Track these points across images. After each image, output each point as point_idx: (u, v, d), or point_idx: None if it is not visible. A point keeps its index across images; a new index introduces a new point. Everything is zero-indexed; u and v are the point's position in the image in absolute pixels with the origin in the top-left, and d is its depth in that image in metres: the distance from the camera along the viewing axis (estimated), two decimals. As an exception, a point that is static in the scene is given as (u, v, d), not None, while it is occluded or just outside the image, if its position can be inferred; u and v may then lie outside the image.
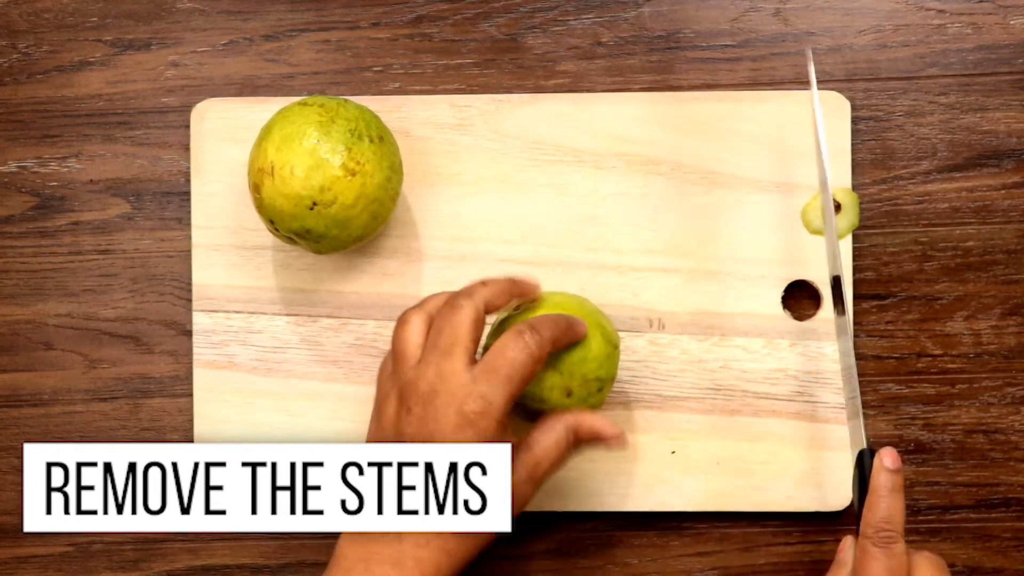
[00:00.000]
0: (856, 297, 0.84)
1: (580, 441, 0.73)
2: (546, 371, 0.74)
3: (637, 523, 0.85)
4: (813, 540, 0.85)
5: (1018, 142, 0.85)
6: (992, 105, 0.85)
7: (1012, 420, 0.85)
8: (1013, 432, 0.85)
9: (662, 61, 0.86)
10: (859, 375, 0.84)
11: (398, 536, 0.70)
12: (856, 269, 0.84)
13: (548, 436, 0.72)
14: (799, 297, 0.85)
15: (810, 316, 0.84)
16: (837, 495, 0.83)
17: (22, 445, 0.87)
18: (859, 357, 0.84)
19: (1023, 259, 0.85)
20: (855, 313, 0.84)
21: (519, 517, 0.72)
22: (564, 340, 0.73)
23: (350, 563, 0.71)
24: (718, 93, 0.84)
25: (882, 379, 0.85)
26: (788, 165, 0.84)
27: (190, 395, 0.86)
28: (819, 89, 0.84)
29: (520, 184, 0.84)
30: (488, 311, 0.73)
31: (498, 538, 0.73)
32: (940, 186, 0.85)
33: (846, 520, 0.85)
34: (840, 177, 0.83)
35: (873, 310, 0.85)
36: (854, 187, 0.84)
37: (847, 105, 0.83)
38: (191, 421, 0.86)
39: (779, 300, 0.84)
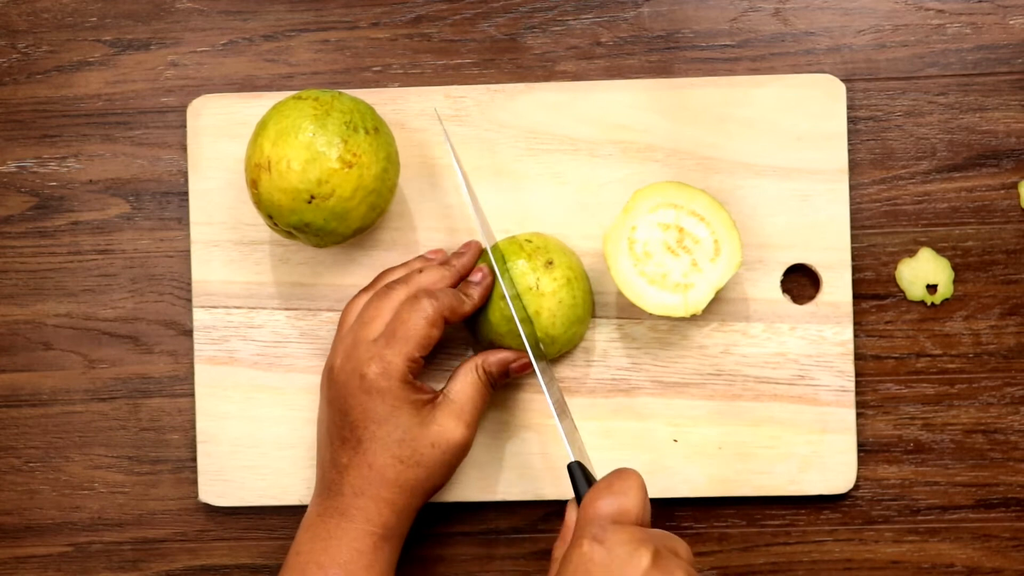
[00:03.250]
0: (856, 297, 0.84)
1: (493, 376, 0.79)
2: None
3: (636, 523, 0.85)
4: (812, 540, 0.85)
5: (1017, 142, 0.85)
6: (991, 105, 0.85)
7: (1011, 420, 0.85)
8: (1012, 432, 0.85)
9: (661, 61, 0.86)
10: (859, 375, 0.84)
11: (340, 489, 0.76)
12: (856, 269, 0.84)
13: (463, 381, 0.79)
14: (798, 281, 0.85)
15: (809, 299, 0.84)
16: (840, 477, 0.83)
17: (21, 445, 0.87)
18: (859, 357, 0.84)
19: (1022, 259, 0.85)
20: (855, 313, 0.84)
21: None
22: (460, 310, 0.78)
23: (309, 520, 0.78)
24: (713, 79, 0.84)
25: (881, 379, 0.85)
26: (785, 149, 0.84)
27: (189, 395, 0.86)
28: (815, 74, 0.85)
29: (516, 174, 0.84)
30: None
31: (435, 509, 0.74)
32: (939, 186, 0.85)
33: (848, 508, 0.85)
34: (836, 161, 0.83)
35: (872, 310, 0.85)
36: (853, 187, 0.84)
37: (842, 88, 0.83)
38: (190, 421, 0.86)
39: (778, 284, 0.84)
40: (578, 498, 0.74)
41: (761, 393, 0.83)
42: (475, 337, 0.83)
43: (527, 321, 0.79)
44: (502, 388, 0.83)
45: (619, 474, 0.72)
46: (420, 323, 0.76)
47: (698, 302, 0.79)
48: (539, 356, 0.79)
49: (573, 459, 0.75)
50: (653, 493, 0.83)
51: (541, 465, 0.84)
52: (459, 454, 0.78)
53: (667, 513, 0.85)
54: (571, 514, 0.74)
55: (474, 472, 0.84)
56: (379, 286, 0.80)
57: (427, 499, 0.78)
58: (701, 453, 0.83)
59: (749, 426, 0.83)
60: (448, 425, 0.77)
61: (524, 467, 0.84)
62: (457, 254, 0.81)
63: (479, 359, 0.79)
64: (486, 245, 0.80)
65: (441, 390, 0.79)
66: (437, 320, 0.76)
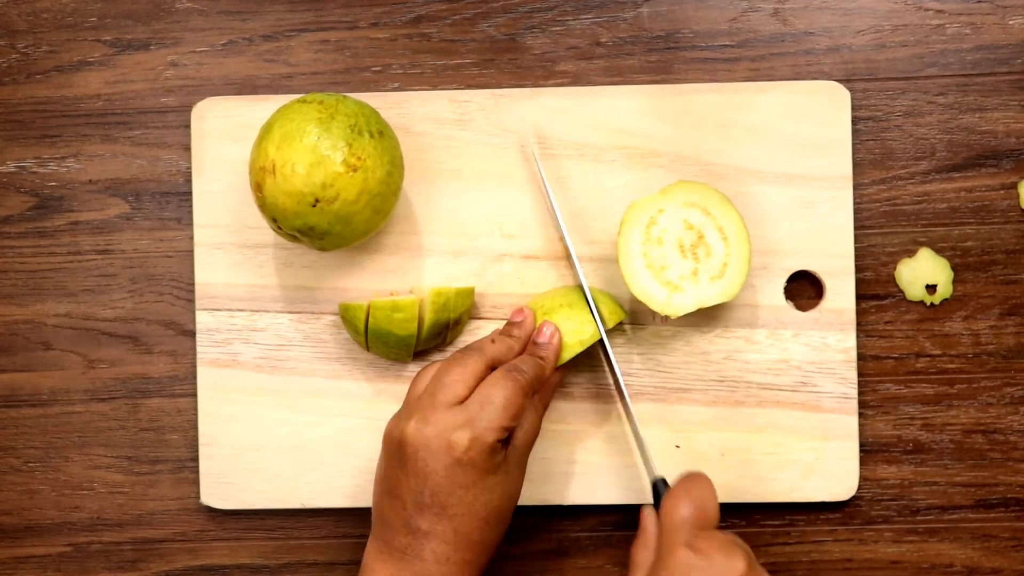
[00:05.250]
0: (856, 297, 0.84)
1: (548, 402, 0.81)
2: None
3: (636, 523, 0.85)
4: (812, 540, 0.85)
5: (1016, 142, 0.85)
6: (991, 105, 0.85)
7: (1011, 420, 0.85)
8: (1012, 432, 0.85)
9: (661, 61, 0.86)
10: (859, 375, 0.84)
11: (420, 554, 0.74)
12: (856, 269, 0.84)
13: (529, 424, 0.77)
14: (801, 287, 0.85)
15: (813, 306, 0.84)
16: (843, 485, 0.83)
17: (21, 445, 0.87)
18: (859, 358, 0.84)
19: (1022, 259, 0.85)
20: (855, 312, 0.84)
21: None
22: (543, 377, 0.78)
23: None
24: (717, 85, 0.84)
25: (881, 379, 0.85)
26: (789, 156, 0.84)
27: (189, 395, 0.86)
28: (819, 81, 0.85)
29: (521, 179, 0.84)
30: (494, 366, 0.77)
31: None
32: (939, 186, 0.85)
33: (847, 508, 0.85)
34: (840, 167, 0.83)
35: (872, 310, 0.85)
36: (854, 187, 0.84)
37: (847, 95, 0.83)
38: (190, 421, 0.86)
39: (781, 291, 0.84)
40: (657, 507, 0.77)
41: (764, 399, 0.83)
42: None
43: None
44: None
45: (693, 479, 0.75)
46: (515, 391, 0.75)
47: (678, 307, 0.79)
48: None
49: (658, 475, 0.78)
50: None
51: (543, 470, 0.84)
52: (519, 496, 0.78)
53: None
54: (650, 519, 0.76)
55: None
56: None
57: (492, 554, 0.77)
58: (703, 459, 0.83)
59: (751, 432, 0.83)
60: (515, 474, 0.76)
61: (527, 472, 0.83)
62: (514, 324, 0.80)
63: (536, 398, 0.78)
64: (580, 273, 0.82)
65: (509, 439, 0.77)
66: (528, 390, 0.76)
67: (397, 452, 0.75)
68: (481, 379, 0.76)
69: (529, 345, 0.79)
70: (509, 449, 0.76)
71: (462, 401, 0.75)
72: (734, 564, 0.71)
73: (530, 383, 0.76)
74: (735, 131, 0.84)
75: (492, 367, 0.77)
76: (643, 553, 0.75)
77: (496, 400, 0.74)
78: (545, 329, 0.79)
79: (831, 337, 0.83)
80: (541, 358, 0.78)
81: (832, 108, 0.84)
